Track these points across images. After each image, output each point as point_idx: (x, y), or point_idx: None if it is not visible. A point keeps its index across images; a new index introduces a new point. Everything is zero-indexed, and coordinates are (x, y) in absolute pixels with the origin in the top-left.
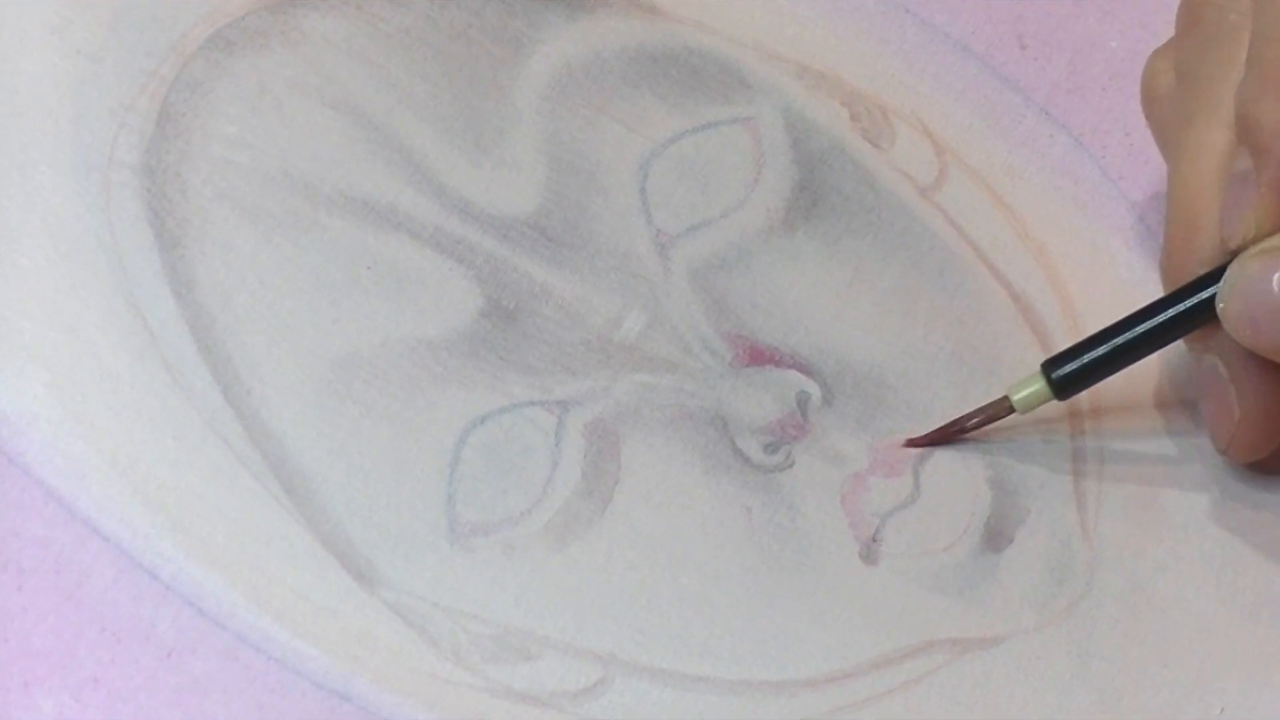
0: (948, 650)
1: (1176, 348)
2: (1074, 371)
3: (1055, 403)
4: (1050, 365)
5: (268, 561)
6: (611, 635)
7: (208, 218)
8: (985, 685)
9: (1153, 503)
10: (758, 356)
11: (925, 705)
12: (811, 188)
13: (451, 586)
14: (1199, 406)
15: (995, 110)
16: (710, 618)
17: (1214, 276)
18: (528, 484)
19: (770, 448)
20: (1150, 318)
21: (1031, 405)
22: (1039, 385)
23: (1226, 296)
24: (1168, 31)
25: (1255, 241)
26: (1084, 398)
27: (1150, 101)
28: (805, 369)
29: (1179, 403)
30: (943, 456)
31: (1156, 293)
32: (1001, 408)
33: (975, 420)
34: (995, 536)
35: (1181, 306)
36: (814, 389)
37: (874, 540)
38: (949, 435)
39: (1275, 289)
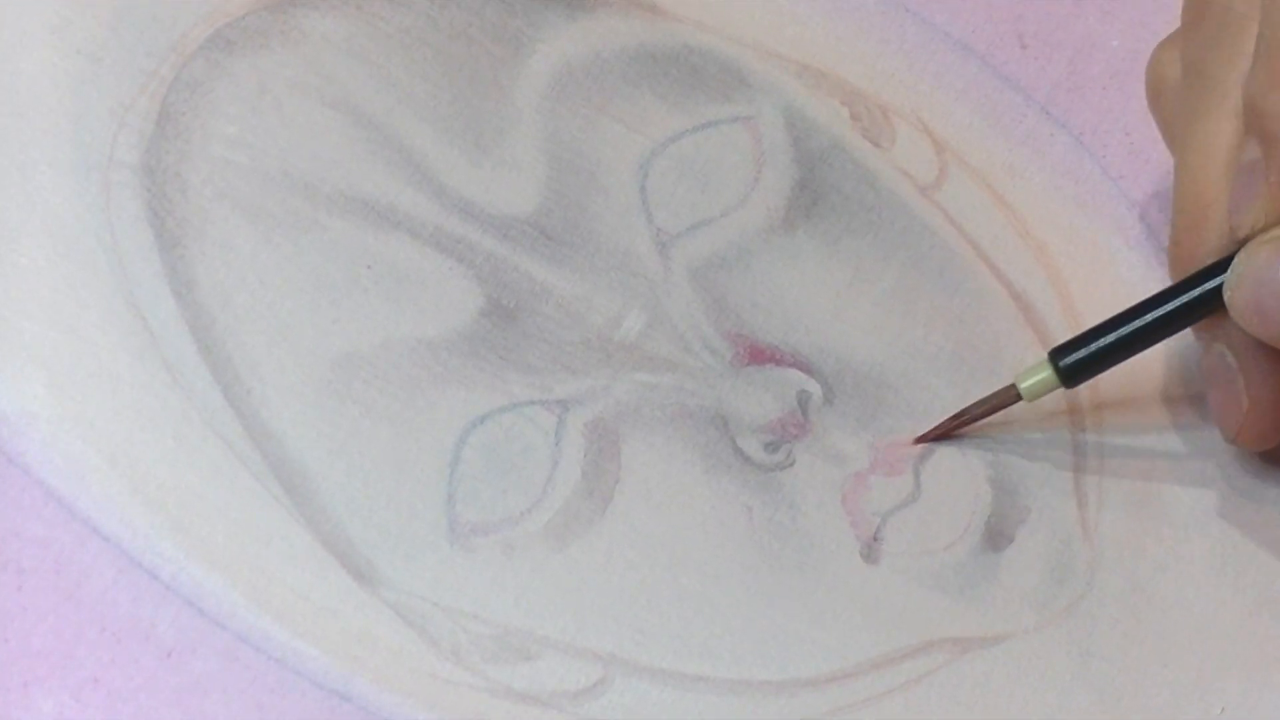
0: (948, 650)
1: (1181, 340)
2: (1082, 359)
3: (1056, 398)
4: (1058, 353)
5: (268, 561)
6: (611, 635)
7: (208, 218)
8: (985, 685)
9: (1154, 499)
10: (758, 355)
11: (925, 705)
12: (812, 187)
13: (451, 586)
14: (1207, 396)
15: (996, 109)
16: (710, 617)
17: (1222, 265)
18: (528, 483)
19: (771, 447)
20: (1158, 306)
21: (1038, 393)
22: (1046, 373)
23: (1234, 285)
24: (1168, 31)
25: (1263, 230)
26: (1085, 394)
27: (1156, 93)
28: (806, 368)
29: (1179, 398)
30: (943, 455)
31: (1157, 291)
32: (1008, 396)
33: (982, 410)
34: (996, 536)
35: (1189, 295)
36: (815, 388)
37: (875, 539)
38: (955, 427)
39: None
